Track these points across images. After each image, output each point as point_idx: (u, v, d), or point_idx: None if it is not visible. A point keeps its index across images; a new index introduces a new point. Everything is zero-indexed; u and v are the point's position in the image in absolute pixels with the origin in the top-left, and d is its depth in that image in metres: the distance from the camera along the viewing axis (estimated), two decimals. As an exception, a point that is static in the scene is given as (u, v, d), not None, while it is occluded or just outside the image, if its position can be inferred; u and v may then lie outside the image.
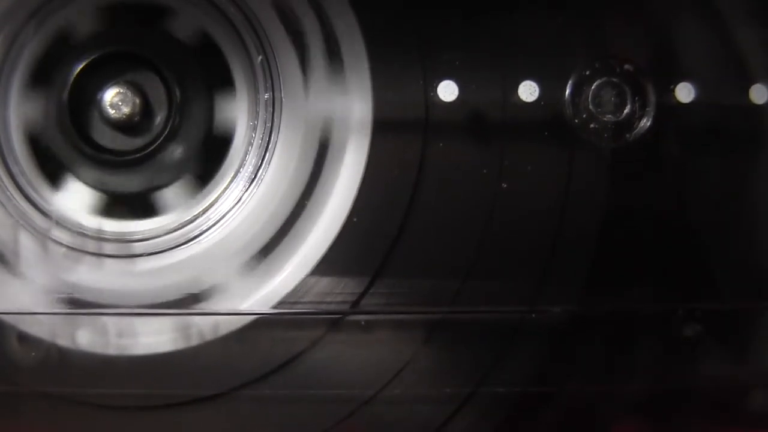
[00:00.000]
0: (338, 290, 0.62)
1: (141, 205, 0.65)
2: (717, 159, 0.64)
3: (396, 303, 0.63)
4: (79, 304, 0.62)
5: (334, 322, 0.62)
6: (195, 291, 0.63)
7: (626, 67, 0.63)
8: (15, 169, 0.64)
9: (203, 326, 0.62)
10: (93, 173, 0.65)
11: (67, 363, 0.61)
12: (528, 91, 0.63)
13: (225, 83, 0.65)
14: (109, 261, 0.63)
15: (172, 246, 0.64)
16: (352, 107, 0.62)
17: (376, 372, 0.62)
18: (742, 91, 0.63)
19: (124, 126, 0.64)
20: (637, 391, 0.64)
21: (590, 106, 0.63)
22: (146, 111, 0.64)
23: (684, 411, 0.64)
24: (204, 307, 0.62)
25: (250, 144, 0.64)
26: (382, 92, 0.62)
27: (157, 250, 0.64)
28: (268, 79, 0.63)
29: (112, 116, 0.64)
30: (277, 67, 0.63)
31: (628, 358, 0.64)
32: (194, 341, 0.62)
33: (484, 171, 0.63)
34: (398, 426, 0.63)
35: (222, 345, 0.62)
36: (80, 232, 0.63)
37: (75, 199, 0.64)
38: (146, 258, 0.63)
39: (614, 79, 0.63)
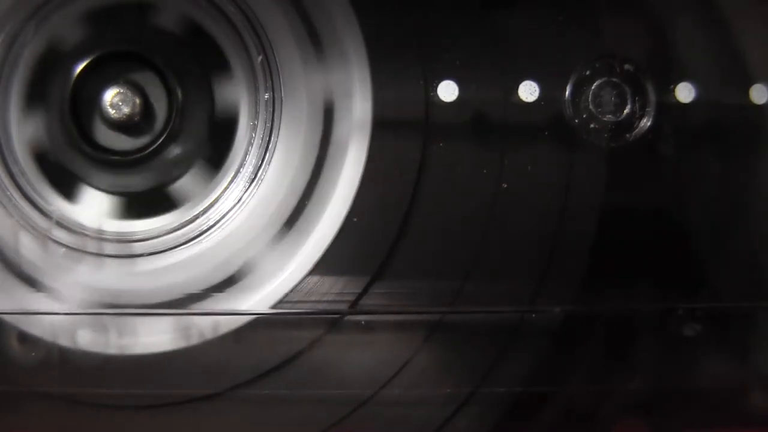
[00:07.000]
0: (338, 290, 0.62)
1: (140, 206, 0.65)
2: (717, 159, 0.64)
3: (396, 303, 0.63)
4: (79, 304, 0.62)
5: (333, 322, 0.62)
6: (195, 291, 0.63)
7: (626, 67, 0.63)
8: (15, 169, 0.64)
9: (203, 326, 0.62)
10: (93, 173, 0.65)
11: (67, 363, 0.61)
12: (528, 91, 0.63)
13: (225, 83, 0.65)
14: (109, 261, 0.63)
15: (173, 246, 0.64)
16: (353, 107, 0.63)
17: (376, 372, 0.62)
18: (742, 91, 0.63)
19: (124, 126, 0.64)
20: (637, 391, 0.64)
21: (590, 106, 0.63)
22: (146, 111, 0.64)
23: (684, 411, 0.64)
24: (204, 306, 0.62)
25: (250, 144, 0.64)
26: (382, 92, 0.62)
27: (157, 250, 0.64)
28: (268, 79, 0.64)
29: (113, 116, 0.64)
30: (277, 66, 0.63)
31: (627, 358, 0.64)
32: (194, 341, 0.62)
33: (485, 171, 0.63)
34: (398, 426, 0.63)
35: (221, 345, 0.62)
36: (80, 232, 0.64)
37: (73, 198, 0.65)
38: (146, 258, 0.63)
39: (614, 79, 0.63)
